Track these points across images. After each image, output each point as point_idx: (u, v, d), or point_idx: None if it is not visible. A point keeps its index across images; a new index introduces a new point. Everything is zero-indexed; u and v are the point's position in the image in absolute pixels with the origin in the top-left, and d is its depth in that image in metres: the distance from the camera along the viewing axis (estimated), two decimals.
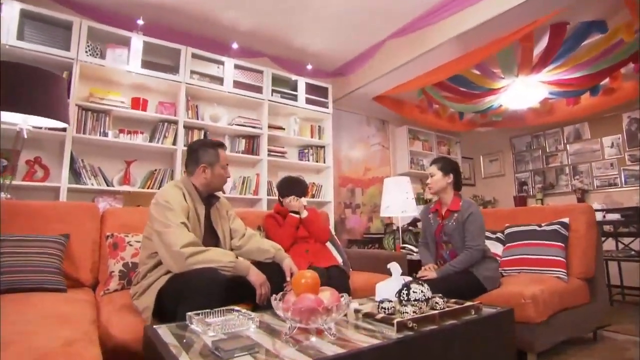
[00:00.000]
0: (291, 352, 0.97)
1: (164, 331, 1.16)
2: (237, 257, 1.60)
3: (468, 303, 1.40)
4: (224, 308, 1.31)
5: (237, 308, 1.31)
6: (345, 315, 1.30)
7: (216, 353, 0.94)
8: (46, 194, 2.78)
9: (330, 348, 1.00)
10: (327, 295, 1.12)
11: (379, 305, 1.31)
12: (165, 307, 1.50)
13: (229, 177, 1.84)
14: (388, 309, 1.28)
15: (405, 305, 1.24)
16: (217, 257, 1.53)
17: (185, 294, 1.40)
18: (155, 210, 1.63)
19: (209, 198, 1.84)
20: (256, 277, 1.58)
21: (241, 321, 1.17)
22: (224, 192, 3.46)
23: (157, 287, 1.54)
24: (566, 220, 2.32)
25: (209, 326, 1.11)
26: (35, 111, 1.94)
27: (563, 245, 2.23)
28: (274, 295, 1.15)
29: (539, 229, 2.37)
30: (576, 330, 2.07)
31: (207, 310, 1.28)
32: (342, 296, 1.17)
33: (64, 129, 2.70)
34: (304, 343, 1.04)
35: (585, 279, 2.20)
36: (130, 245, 2.05)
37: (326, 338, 1.07)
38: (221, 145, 1.82)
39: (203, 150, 1.76)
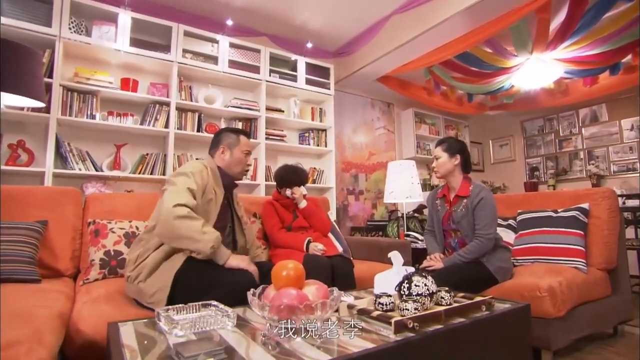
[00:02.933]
0: (266, 358, 0.81)
1: (128, 330, 1.02)
2: (220, 244, 1.50)
3: (478, 298, 1.23)
4: (201, 303, 1.16)
5: (214, 303, 1.15)
6: (337, 310, 1.14)
7: (175, 359, 0.78)
8: (31, 179, 2.64)
9: (314, 353, 0.84)
10: (312, 290, 0.95)
11: (375, 301, 1.14)
12: (178, 293, 1.39)
13: (250, 164, 1.85)
14: (386, 304, 1.11)
15: (405, 301, 1.07)
16: (201, 235, 1.42)
17: (215, 286, 1.35)
18: (173, 176, 1.61)
19: (229, 182, 1.80)
20: (240, 261, 1.50)
21: (215, 319, 1.02)
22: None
23: (172, 266, 1.44)
24: (586, 205, 2.12)
25: (176, 324, 0.95)
26: (3, 87, 1.78)
27: (582, 232, 2.04)
28: (251, 290, 0.99)
29: (555, 215, 2.18)
30: (596, 325, 1.89)
31: (181, 305, 1.14)
32: (332, 290, 1.00)
33: (48, 111, 2.57)
34: (284, 346, 0.89)
35: (607, 270, 2.02)
36: (113, 232, 1.92)
37: (312, 339, 0.92)
38: (244, 132, 1.84)
39: (225, 134, 1.81)
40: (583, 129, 4.97)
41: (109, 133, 2.97)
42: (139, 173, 2.96)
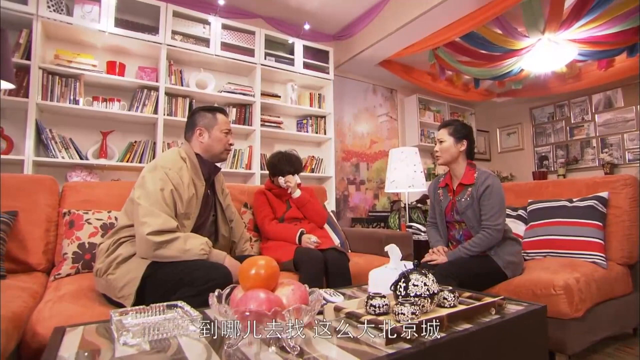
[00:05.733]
0: None
1: (74, 336, 0.87)
2: (211, 247, 1.42)
3: (487, 299, 1.07)
4: (166, 304, 1.01)
5: (181, 304, 1.00)
6: (322, 313, 0.98)
7: None
8: (11, 168, 2.49)
9: None
10: (287, 292, 0.79)
11: (367, 302, 0.98)
12: (149, 289, 1.28)
13: (232, 143, 1.68)
14: (379, 307, 0.95)
15: (401, 304, 0.91)
16: (188, 246, 1.35)
17: (188, 283, 1.25)
18: (149, 176, 1.43)
19: (209, 171, 1.65)
20: (233, 266, 1.41)
21: (176, 323, 0.86)
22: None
23: (144, 260, 1.33)
24: (604, 194, 1.93)
25: (125, 331, 0.80)
26: None
27: (601, 224, 1.86)
28: (217, 291, 0.83)
29: (570, 204, 2.00)
30: (616, 326, 1.72)
31: (142, 306, 0.99)
32: (312, 292, 0.85)
33: (27, 95, 2.42)
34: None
35: (628, 265, 1.84)
36: (89, 223, 1.77)
37: (285, 352, 0.76)
38: (220, 110, 1.68)
39: (199, 114, 1.64)
40: (596, 115, 4.73)
41: (94, 119, 2.82)
42: (127, 161, 2.81)
